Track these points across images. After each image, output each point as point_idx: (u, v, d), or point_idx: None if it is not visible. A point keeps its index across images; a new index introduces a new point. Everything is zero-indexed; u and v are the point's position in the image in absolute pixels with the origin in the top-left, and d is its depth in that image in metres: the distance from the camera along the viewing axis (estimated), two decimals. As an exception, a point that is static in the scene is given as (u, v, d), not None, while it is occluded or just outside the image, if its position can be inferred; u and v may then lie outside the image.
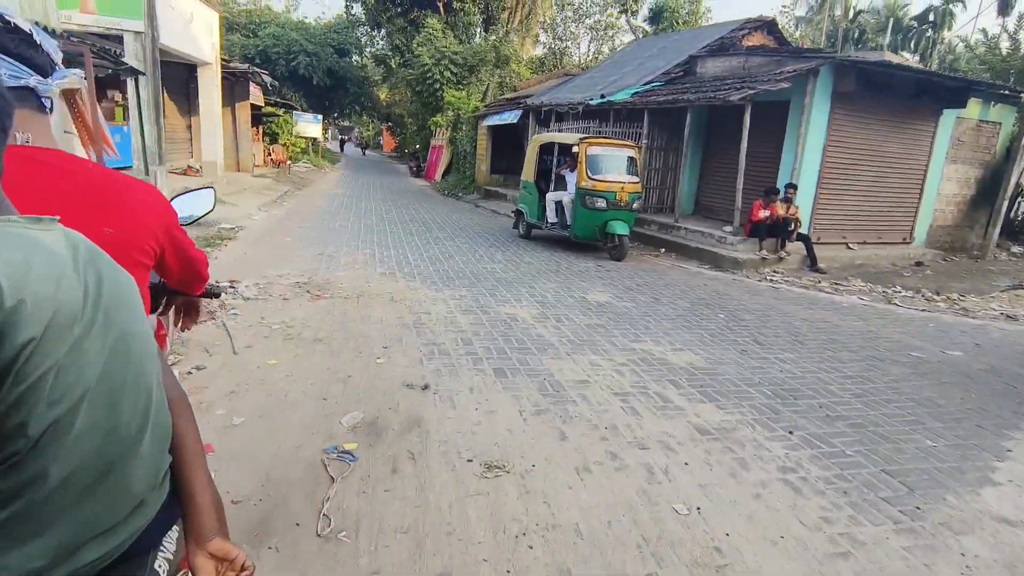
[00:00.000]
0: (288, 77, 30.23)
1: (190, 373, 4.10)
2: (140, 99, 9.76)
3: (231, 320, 5.33)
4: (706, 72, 12.14)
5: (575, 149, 9.77)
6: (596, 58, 27.69)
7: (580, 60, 28.37)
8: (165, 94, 15.73)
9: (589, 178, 9.62)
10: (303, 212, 13.44)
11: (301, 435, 3.36)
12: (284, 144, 25.90)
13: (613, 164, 9.87)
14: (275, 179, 19.14)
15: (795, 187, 9.71)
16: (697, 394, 4.30)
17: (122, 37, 9.97)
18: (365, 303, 6.19)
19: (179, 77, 15.40)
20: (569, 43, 28.07)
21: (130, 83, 10.14)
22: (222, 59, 14.81)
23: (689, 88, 11.34)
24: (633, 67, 14.89)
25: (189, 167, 14.14)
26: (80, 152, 1.64)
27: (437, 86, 26.00)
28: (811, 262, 9.82)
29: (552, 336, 5.45)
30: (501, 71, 28.51)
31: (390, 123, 50.23)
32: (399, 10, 33.81)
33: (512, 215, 14.41)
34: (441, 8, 31.58)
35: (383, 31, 36.71)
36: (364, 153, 54.39)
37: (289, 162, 23.96)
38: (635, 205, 9.90)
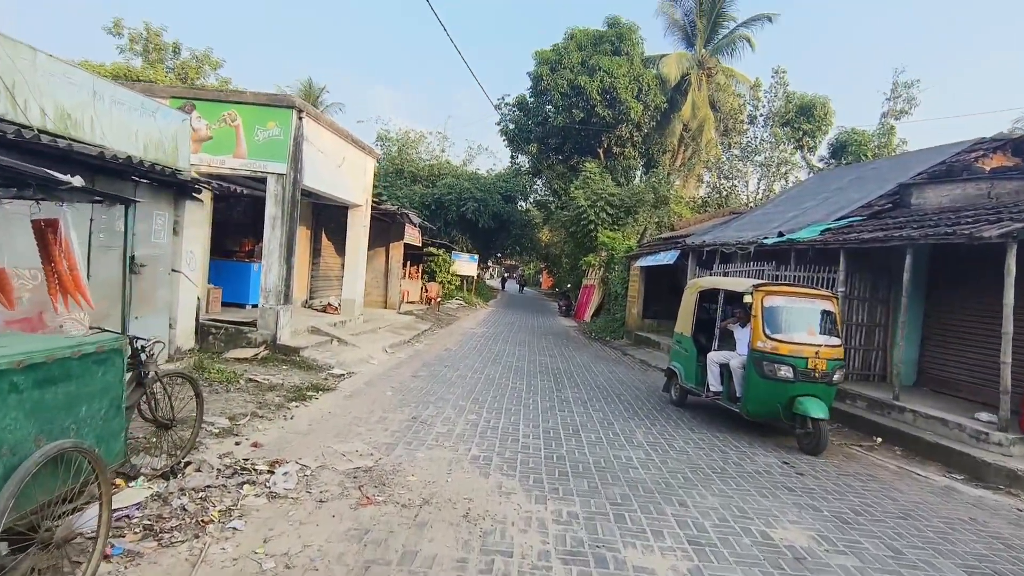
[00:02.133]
0: (458, 220, 31.79)
1: None
2: (179, 220, 9.38)
3: (221, 546, 3.58)
4: (925, 203, 9.32)
5: (747, 298, 7.41)
6: (767, 196, 25.31)
7: (748, 199, 26.17)
8: (325, 234, 16.37)
9: (768, 337, 7.11)
10: (428, 355, 12.27)
11: None
12: (440, 281, 26.38)
13: (802, 319, 7.30)
14: (420, 316, 18.77)
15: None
16: None
17: (266, 179, 9.96)
18: (425, 520, 4.18)
19: (340, 218, 15.80)
20: (736, 181, 26.18)
21: (267, 224, 9.96)
22: (373, 201, 14.99)
23: (906, 222, 8.59)
24: (817, 201, 12.42)
25: (329, 305, 13.94)
26: None
27: (592, 227, 25.30)
28: None
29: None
30: (659, 212, 27.26)
31: (548, 262, 51.02)
32: (560, 157, 34.93)
33: (663, 372, 12.07)
34: (601, 154, 31.92)
35: (544, 177, 38.05)
36: (522, 290, 55.42)
37: (440, 299, 23.99)
38: (836, 376, 7.10)
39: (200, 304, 9.52)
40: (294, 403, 7.18)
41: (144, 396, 4.40)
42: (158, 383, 4.57)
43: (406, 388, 8.68)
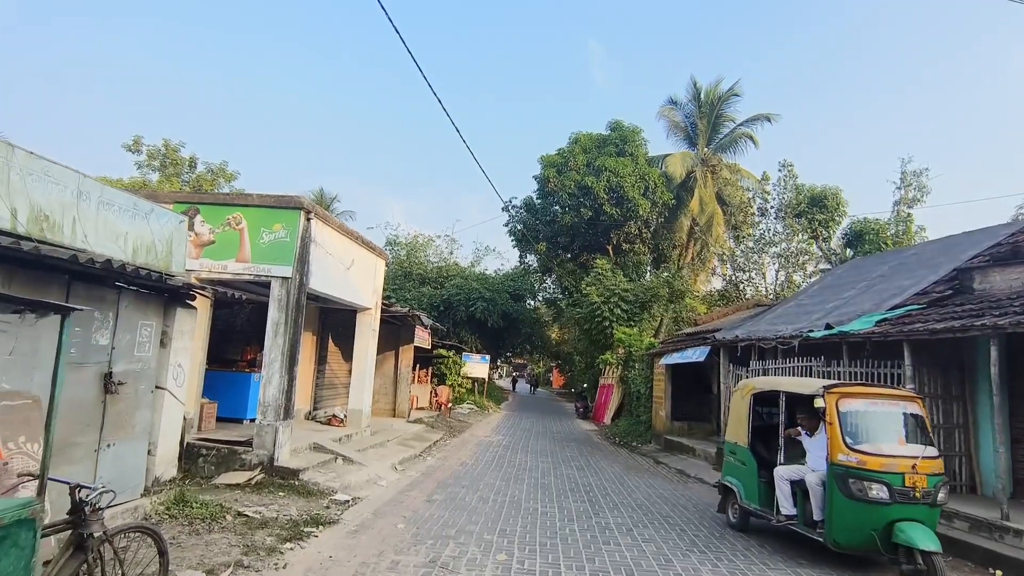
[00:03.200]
0: (466, 321, 31.25)
1: None
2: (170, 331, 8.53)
3: None
4: (992, 287, 8.46)
5: (819, 402, 6.36)
6: (786, 288, 24.62)
7: (766, 290, 25.49)
8: (332, 340, 15.53)
9: (851, 449, 6.00)
10: (444, 471, 11.02)
11: None
12: (450, 384, 25.27)
13: (887, 426, 6.25)
14: (431, 424, 17.58)
15: None
16: None
17: (269, 283, 9.28)
18: None
19: (348, 322, 15.00)
20: (753, 273, 25.61)
21: (269, 331, 9.15)
22: (383, 304, 14.27)
23: (979, 309, 7.68)
24: (858, 290, 11.63)
25: (334, 416, 12.84)
26: None
27: (606, 323, 24.58)
28: None
29: None
30: (675, 306, 26.57)
31: (559, 361, 49.84)
32: (569, 255, 34.82)
33: (713, 486, 10.77)
34: (610, 250, 31.76)
35: (553, 276, 37.83)
36: (534, 392, 53.63)
37: (451, 404, 22.79)
38: (940, 495, 5.93)
39: (188, 423, 8.51)
40: (288, 544, 5.98)
41: (85, 565, 3.32)
42: (107, 543, 3.50)
43: (420, 518, 7.44)
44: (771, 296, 24.22)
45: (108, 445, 6.12)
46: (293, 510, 7.27)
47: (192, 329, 7.46)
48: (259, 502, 7.50)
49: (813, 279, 24.82)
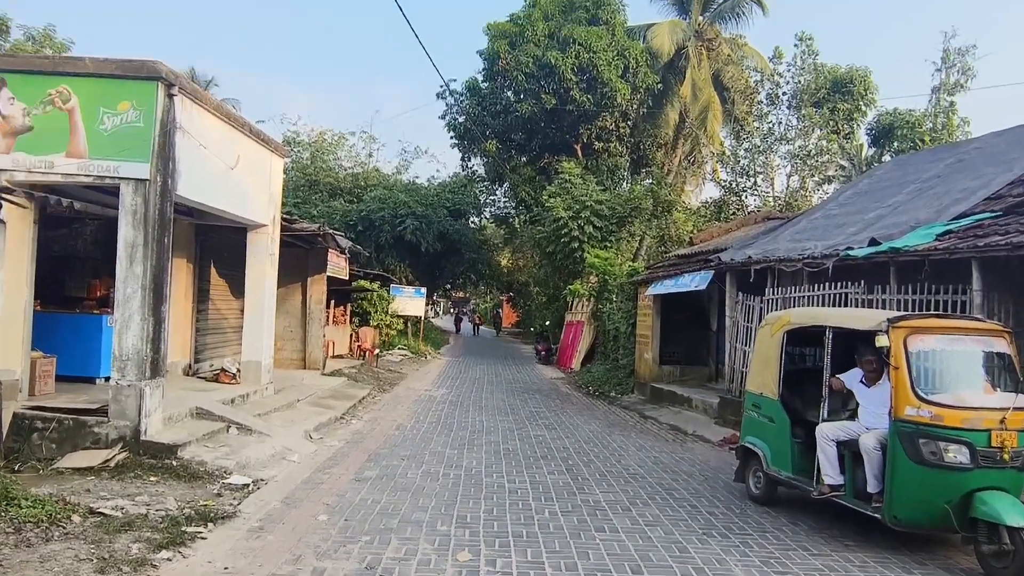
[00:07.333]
0: (393, 245, 30.56)
1: None
2: None
3: None
4: (1086, 189, 8.29)
5: (881, 339, 6.05)
6: (800, 197, 24.74)
7: (774, 200, 25.59)
8: (215, 269, 14.51)
9: (923, 400, 5.78)
10: (375, 438, 10.69)
11: None
12: (376, 325, 24.84)
13: (969, 370, 6.14)
14: (353, 377, 17.35)
15: None
16: None
17: (118, 188, 8.27)
18: None
19: (237, 245, 13.80)
20: (759, 179, 25.60)
21: (122, 256, 8.20)
22: (284, 220, 13.33)
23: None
24: (907, 195, 11.53)
25: (223, 371, 12.12)
26: None
27: (575, 245, 24.42)
28: None
29: None
30: (661, 222, 26.49)
31: (512, 293, 49.85)
32: (525, 158, 33.98)
33: (717, 445, 10.82)
34: (579, 151, 31.13)
35: (506, 185, 37.06)
36: (476, 332, 53.74)
37: (378, 350, 22.40)
38: (1036, 457, 5.77)
39: (10, 386, 7.63)
40: (165, 552, 5.37)
41: None
42: None
43: (349, 505, 6.98)
44: (779, 207, 24.31)
45: None
46: (171, 501, 6.69)
47: (1, 251, 6.44)
48: (121, 492, 6.88)
49: (832, 186, 25.05)
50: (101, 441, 8.05)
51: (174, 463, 7.92)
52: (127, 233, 8.29)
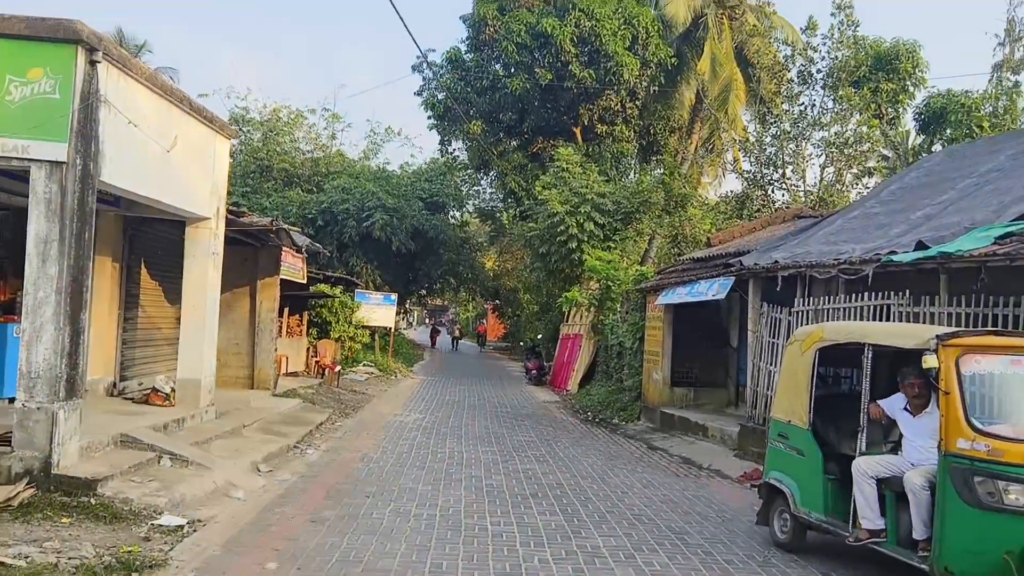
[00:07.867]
0: (359, 243, 30.72)
1: None
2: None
3: None
4: None
5: (929, 359, 6.15)
6: (836, 191, 25.00)
7: (805, 195, 25.87)
8: (146, 269, 14.56)
9: (978, 431, 5.87)
10: (335, 471, 10.89)
11: None
12: (338, 338, 25.06)
13: None
14: (310, 399, 17.58)
15: None
16: None
17: (28, 172, 8.28)
18: None
19: (171, 242, 14.01)
20: (789, 170, 25.88)
21: (32, 253, 8.17)
22: (230, 212, 13.38)
23: None
24: (962, 191, 11.87)
25: (154, 391, 12.11)
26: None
27: (573, 245, 24.56)
28: None
29: None
30: (673, 219, 26.70)
31: (498, 301, 50.03)
32: (516, 142, 34.14)
33: (736, 481, 10.89)
34: (578, 135, 31.34)
35: (492, 174, 37.21)
36: (455, 346, 53.77)
37: (339, 367, 22.59)
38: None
39: None
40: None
41: None
42: None
43: (303, 551, 7.02)
44: (811, 204, 24.59)
45: None
46: (87, 548, 6.63)
47: None
48: (26, 537, 6.81)
49: (872, 180, 25.30)
50: (2, 475, 8.02)
51: (93, 501, 7.89)
52: (39, 226, 8.29)
